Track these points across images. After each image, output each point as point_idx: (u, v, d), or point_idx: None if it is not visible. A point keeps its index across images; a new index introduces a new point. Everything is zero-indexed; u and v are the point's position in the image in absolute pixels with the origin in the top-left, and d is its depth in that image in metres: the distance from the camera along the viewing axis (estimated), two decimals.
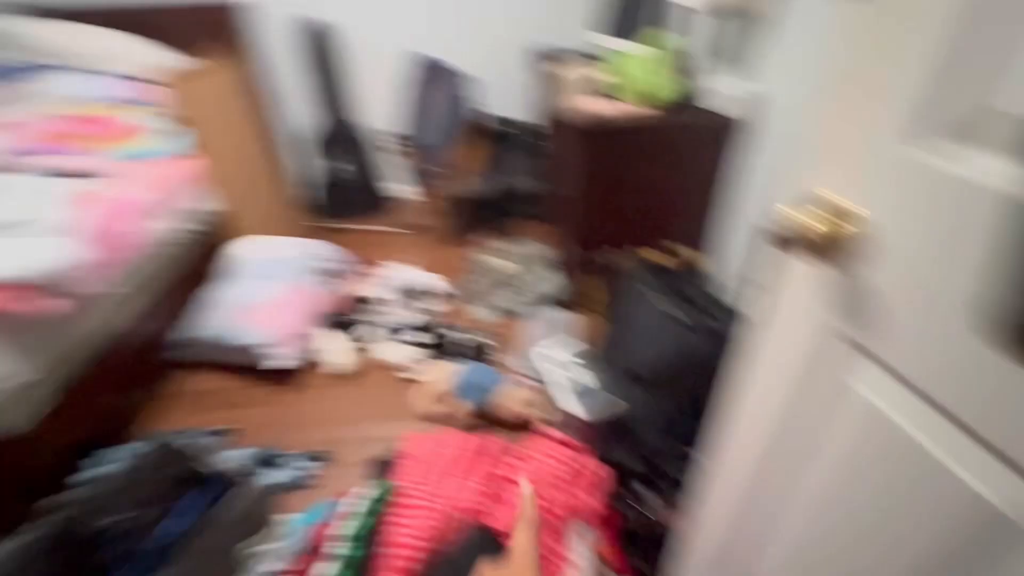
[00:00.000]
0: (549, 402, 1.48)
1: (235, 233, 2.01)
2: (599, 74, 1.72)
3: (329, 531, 1.11)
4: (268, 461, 1.39)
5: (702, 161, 1.62)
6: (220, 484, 1.13)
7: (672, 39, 1.63)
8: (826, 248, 0.46)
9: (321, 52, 2.38)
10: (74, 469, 1.27)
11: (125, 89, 1.95)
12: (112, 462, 1.33)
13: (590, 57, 2.07)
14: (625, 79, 1.62)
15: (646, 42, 1.70)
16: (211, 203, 1.94)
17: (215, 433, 1.48)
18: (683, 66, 1.66)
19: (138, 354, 1.53)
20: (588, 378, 1.56)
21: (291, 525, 1.18)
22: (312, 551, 1.09)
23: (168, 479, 1.13)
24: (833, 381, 0.52)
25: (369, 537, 1.07)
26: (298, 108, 2.60)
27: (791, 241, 0.47)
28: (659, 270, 1.46)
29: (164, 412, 1.58)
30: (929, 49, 0.38)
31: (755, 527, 0.70)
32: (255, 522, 1.08)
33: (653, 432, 1.27)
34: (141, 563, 1.03)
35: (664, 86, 1.59)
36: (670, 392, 1.27)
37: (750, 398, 0.66)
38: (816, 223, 0.46)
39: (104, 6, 2.16)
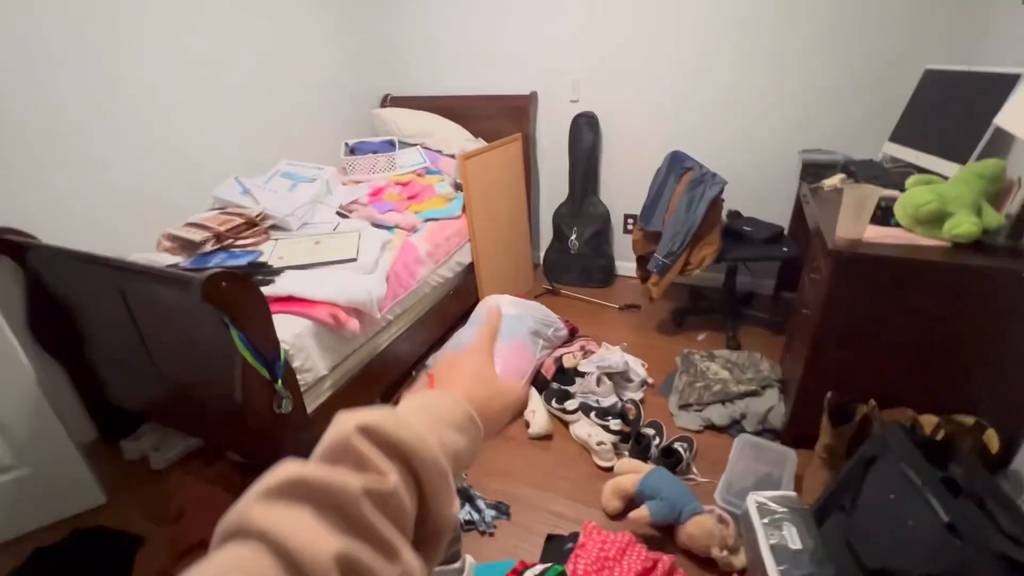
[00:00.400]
0: (741, 548, 1.31)
1: (480, 284, 2.36)
2: (879, 192, 1.52)
3: None
4: (467, 496, 1.52)
5: (1019, 317, 1.29)
6: None
7: (994, 166, 1.36)
8: None
9: (583, 136, 2.69)
10: None
11: (434, 161, 2.55)
12: None
13: (876, 171, 1.86)
14: (912, 203, 1.40)
15: (961, 164, 1.45)
16: (466, 256, 2.33)
17: None
18: (1002, 200, 1.36)
19: (390, 367, 1.90)
20: (792, 535, 1.33)
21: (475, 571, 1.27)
22: None
23: None
24: None
25: None
26: (551, 181, 2.96)
27: None
28: (925, 441, 1.18)
29: None
30: None
31: None
32: (453, 552, 1.10)
33: None
34: None
35: (967, 219, 1.32)
36: None
37: None
38: None
39: (438, 97, 2.89)
